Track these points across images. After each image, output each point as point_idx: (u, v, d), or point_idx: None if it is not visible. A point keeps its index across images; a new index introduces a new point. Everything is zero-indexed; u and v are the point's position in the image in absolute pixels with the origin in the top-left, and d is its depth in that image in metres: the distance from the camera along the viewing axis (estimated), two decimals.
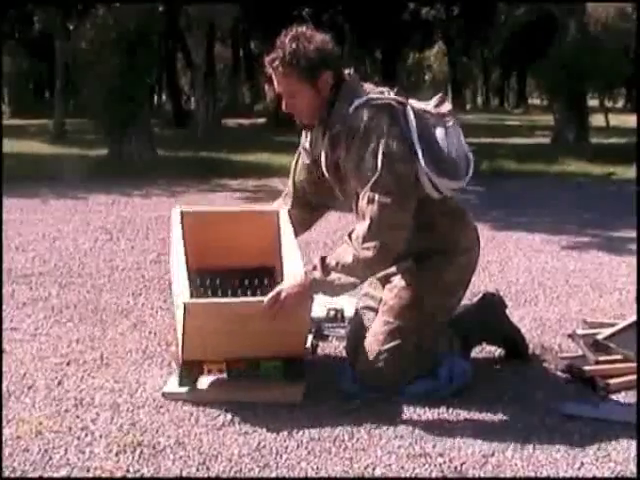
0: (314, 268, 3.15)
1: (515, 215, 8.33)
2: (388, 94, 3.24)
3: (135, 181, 11.05)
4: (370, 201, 3.10)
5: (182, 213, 3.61)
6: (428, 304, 3.29)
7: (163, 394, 3.30)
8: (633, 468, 2.74)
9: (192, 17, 20.77)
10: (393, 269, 3.35)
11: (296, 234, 3.54)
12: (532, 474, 2.71)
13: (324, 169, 3.39)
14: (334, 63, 3.25)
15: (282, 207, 3.69)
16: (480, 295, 3.82)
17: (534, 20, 28.68)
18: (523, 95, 53.13)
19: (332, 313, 4.04)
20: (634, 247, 6.43)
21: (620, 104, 46.64)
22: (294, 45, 3.17)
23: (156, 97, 39.96)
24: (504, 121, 31.49)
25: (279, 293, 3.15)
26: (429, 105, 3.35)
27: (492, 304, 3.79)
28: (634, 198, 8.86)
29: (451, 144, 3.26)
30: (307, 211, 3.70)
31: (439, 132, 3.24)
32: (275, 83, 3.29)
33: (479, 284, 5.17)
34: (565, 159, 13.97)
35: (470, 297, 3.71)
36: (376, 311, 3.44)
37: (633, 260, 5.98)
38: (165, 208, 8.62)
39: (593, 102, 26.06)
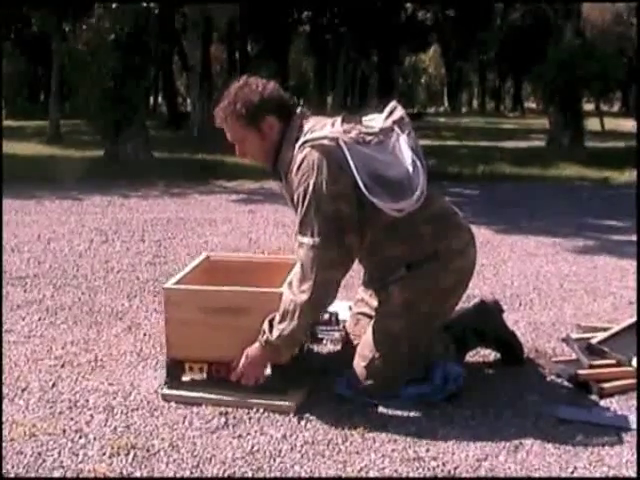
0: (263, 333, 3.19)
1: (510, 219, 8.33)
2: (332, 127, 3.22)
3: (131, 183, 11.05)
4: (300, 245, 3.16)
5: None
6: (422, 310, 3.28)
7: (162, 395, 3.31)
8: (626, 472, 2.75)
9: (188, 19, 20.80)
10: (388, 279, 3.35)
11: None
12: (526, 478, 2.71)
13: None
14: (277, 107, 3.30)
15: None
16: (476, 299, 3.83)
17: (530, 24, 28.76)
18: (519, 98, 53.22)
19: (326, 316, 4.04)
20: (628, 250, 6.45)
21: (616, 108, 46.74)
22: (237, 94, 3.28)
23: (152, 99, 39.97)
24: (500, 124, 31.53)
25: (246, 357, 3.23)
26: (378, 119, 3.33)
27: (488, 308, 3.80)
28: (630, 202, 8.88)
29: (395, 163, 3.20)
30: None
31: (381, 156, 3.19)
32: (226, 131, 3.36)
33: (473, 288, 5.18)
34: (560, 163, 13.98)
35: (466, 301, 3.72)
36: (369, 317, 3.46)
37: (627, 264, 6.00)
38: (161, 210, 8.65)
39: (589, 106, 26.11)
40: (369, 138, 3.21)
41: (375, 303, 3.45)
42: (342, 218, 3.14)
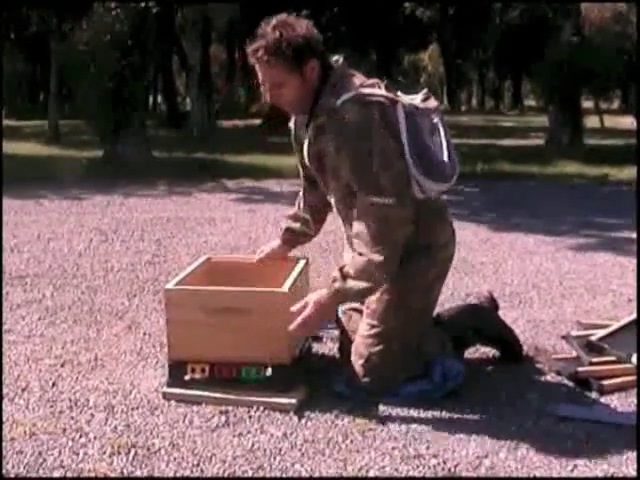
0: (334, 280, 3.11)
1: (509, 216, 8.33)
2: (379, 88, 3.16)
3: (130, 182, 11.05)
4: (371, 204, 3.05)
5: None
6: (412, 304, 3.27)
7: (163, 394, 3.31)
8: (627, 470, 2.74)
9: (187, 18, 20.79)
10: None
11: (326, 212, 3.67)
12: (526, 476, 2.71)
13: (306, 158, 3.33)
14: (319, 50, 3.16)
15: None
16: (472, 296, 3.82)
17: (529, 22, 28.75)
18: (518, 96, 53.18)
19: None
20: (628, 248, 6.45)
21: (615, 105, 46.71)
22: (278, 33, 3.05)
23: (151, 98, 39.96)
24: (499, 122, 31.50)
25: (305, 305, 3.13)
26: (416, 99, 3.29)
27: (484, 305, 3.80)
28: (629, 199, 8.88)
29: (437, 144, 3.22)
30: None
31: (427, 132, 3.20)
32: (259, 74, 3.17)
33: (473, 286, 5.20)
34: (560, 160, 13.98)
35: (463, 298, 3.72)
36: (360, 312, 3.44)
37: (626, 261, 6.00)
38: (160, 209, 8.65)
39: (588, 104, 26.10)
40: (416, 113, 3.18)
41: None
42: (406, 176, 3.10)
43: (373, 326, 3.30)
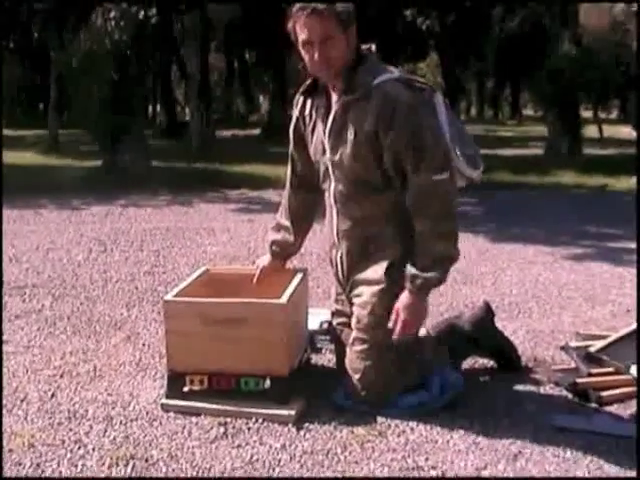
0: (413, 278, 3.12)
1: (508, 227, 8.33)
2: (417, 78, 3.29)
3: (129, 192, 11.05)
4: (434, 183, 3.09)
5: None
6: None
7: (162, 405, 3.31)
8: None
9: (186, 27, 20.82)
10: (361, 287, 3.34)
11: (311, 219, 3.70)
12: None
13: (325, 133, 3.30)
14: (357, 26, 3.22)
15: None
16: (470, 307, 3.82)
17: (528, 31, 28.79)
18: (517, 106, 53.22)
19: (325, 325, 4.03)
20: (627, 258, 6.45)
21: (614, 115, 46.76)
22: None
23: (150, 107, 40.00)
24: (498, 132, 31.53)
25: (397, 313, 3.16)
26: None
27: (482, 315, 3.80)
28: (628, 209, 8.89)
29: (469, 135, 3.34)
30: (312, 190, 3.61)
31: (461, 123, 3.33)
32: (305, 30, 3.12)
33: (471, 296, 5.20)
34: (558, 170, 13.99)
35: (460, 309, 3.72)
36: (349, 326, 3.42)
37: (625, 271, 6.00)
38: (159, 219, 8.65)
39: (587, 113, 26.14)
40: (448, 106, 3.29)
41: (348, 310, 3.45)
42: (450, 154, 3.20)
43: (364, 340, 3.29)
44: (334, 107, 3.26)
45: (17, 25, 24.96)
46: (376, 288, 3.28)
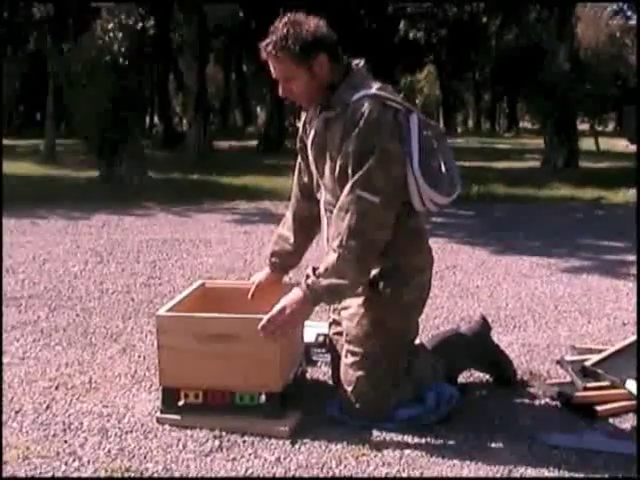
0: (307, 277, 3.12)
1: (504, 240, 8.34)
2: (396, 96, 3.23)
3: (126, 203, 11.06)
4: (358, 198, 3.07)
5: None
6: (391, 326, 3.26)
7: (157, 418, 3.30)
8: None
9: (184, 39, 20.87)
10: (349, 298, 3.32)
11: (314, 231, 3.64)
12: None
13: (309, 148, 3.35)
14: (329, 45, 3.22)
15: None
16: (466, 320, 3.82)
17: (525, 45, 28.88)
18: (514, 118, 53.38)
19: (321, 338, 4.03)
20: (623, 271, 6.47)
21: (610, 127, 46.89)
22: (286, 29, 3.14)
23: (148, 119, 40.04)
24: (495, 144, 31.61)
25: (282, 309, 3.12)
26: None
27: (478, 329, 3.79)
28: (624, 222, 8.90)
29: (448, 160, 3.26)
30: (315, 200, 3.57)
31: (439, 145, 3.24)
32: (271, 68, 3.24)
33: (468, 309, 5.20)
34: (555, 183, 14.02)
35: (456, 322, 3.72)
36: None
37: (621, 285, 6.01)
38: (156, 231, 8.65)
39: (583, 126, 26.20)
40: (430, 126, 3.24)
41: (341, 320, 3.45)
42: (401, 183, 3.14)
43: (355, 353, 3.29)
44: (314, 122, 3.30)
45: (14, 35, 25.00)
46: (362, 299, 3.28)
